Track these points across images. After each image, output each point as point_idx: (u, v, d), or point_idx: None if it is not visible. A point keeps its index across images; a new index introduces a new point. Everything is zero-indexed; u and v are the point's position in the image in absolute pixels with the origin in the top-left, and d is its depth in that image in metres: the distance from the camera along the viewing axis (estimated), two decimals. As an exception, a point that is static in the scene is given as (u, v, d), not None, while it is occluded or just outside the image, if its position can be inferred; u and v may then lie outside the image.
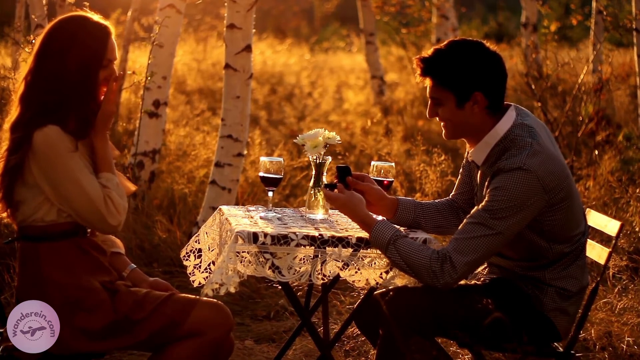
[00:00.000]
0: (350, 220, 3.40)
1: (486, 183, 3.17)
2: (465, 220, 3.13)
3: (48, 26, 3.06)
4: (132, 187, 3.21)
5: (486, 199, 3.11)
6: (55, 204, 2.99)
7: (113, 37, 3.08)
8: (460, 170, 3.48)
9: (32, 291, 2.99)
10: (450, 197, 3.53)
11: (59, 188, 2.95)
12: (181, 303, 3.02)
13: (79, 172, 2.95)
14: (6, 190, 2.99)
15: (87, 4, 4.00)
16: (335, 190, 3.26)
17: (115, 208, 2.99)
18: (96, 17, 3.08)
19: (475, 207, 3.14)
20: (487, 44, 3.21)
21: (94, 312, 2.96)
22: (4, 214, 3.05)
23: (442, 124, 3.25)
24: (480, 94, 3.16)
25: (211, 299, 3.07)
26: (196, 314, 2.99)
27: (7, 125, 3.02)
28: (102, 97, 3.08)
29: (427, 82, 3.21)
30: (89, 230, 3.06)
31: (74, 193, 2.95)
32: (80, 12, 3.10)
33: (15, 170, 2.95)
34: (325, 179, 3.48)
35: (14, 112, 3.01)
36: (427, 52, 3.21)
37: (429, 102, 3.24)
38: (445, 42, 3.22)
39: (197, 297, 3.06)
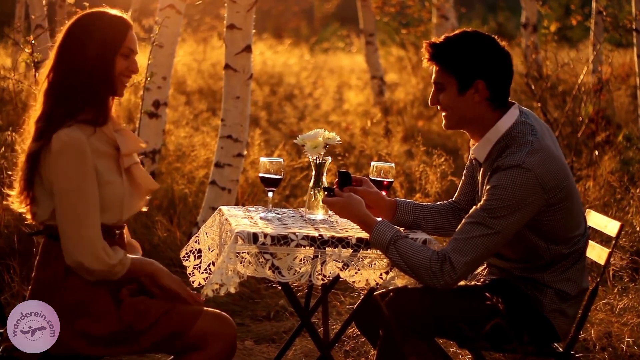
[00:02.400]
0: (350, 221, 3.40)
1: (486, 181, 3.17)
2: (464, 220, 3.12)
3: (67, 24, 3.05)
4: (155, 185, 3.18)
5: (484, 197, 3.10)
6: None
7: (133, 31, 3.08)
8: (464, 171, 3.48)
9: (47, 286, 2.96)
10: (453, 199, 3.52)
11: (60, 194, 2.92)
12: (185, 314, 2.99)
13: (86, 185, 2.91)
14: (26, 181, 2.96)
15: (87, 4, 3.99)
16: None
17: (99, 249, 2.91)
18: (114, 12, 3.09)
19: (474, 207, 3.14)
20: (499, 41, 3.21)
21: (98, 320, 2.94)
22: (25, 209, 3.02)
23: (443, 113, 3.25)
24: (482, 83, 3.16)
25: (215, 310, 3.05)
26: (200, 326, 2.97)
27: (32, 121, 3.01)
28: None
29: (434, 67, 3.22)
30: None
31: (69, 201, 2.90)
32: (98, 8, 3.11)
33: (34, 157, 2.94)
34: (325, 180, 3.48)
35: (38, 108, 3.01)
36: (438, 38, 3.23)
37: (433, 88, 3.25)
38: (457, 31, 3.23)
39: (202, 308, 3.04)
